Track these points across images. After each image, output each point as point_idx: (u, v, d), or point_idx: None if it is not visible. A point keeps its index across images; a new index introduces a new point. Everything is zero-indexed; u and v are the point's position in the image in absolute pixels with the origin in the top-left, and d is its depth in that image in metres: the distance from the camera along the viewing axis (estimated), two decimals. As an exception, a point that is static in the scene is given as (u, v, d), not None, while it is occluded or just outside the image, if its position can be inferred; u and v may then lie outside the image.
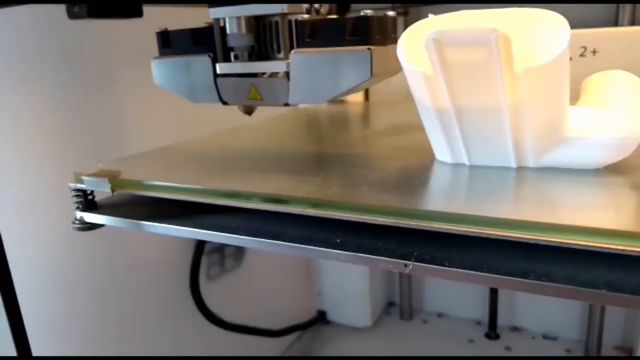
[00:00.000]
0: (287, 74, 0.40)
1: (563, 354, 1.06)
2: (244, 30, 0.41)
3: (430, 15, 0.39)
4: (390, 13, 0.40)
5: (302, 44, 0.39)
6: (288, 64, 0.40)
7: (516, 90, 0.35)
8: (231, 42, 0.42)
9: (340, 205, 0.35)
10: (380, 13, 0.38)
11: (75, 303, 0.67)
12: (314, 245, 0.36)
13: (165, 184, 0.42)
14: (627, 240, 0.28)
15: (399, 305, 1.24)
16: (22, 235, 0.60)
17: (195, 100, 0.45)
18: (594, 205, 0.34)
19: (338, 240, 0.36)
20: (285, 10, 0.39)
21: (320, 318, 1.23)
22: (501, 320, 1.13)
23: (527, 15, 0.37)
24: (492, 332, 1.12)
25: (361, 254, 0.34)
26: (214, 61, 0.43)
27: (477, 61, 0.34)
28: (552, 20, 0.36)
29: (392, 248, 0.34)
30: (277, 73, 0.42)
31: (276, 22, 0.41)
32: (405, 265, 0.32)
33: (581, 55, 0.74)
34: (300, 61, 0.39)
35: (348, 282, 1.18)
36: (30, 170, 0.61)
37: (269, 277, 1.06)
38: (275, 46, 0.42)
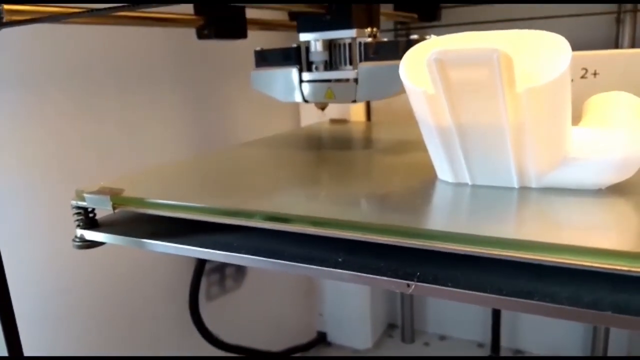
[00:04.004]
0: (355, 80, 0.58)
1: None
2: (322, 49, 0.59)
3: (433, 36, 0.40)
4: (430, 37, 0.50)
5: (367, 58, 0.57)
6: (357, 72, 0.58)
7: (518, 110, 0.35)
8: (312, 58, 0.60)
9: (342, 224, 0.35)
10: (423, 37, 0.49)
11: (74, 320, 0.67)
12: (315, 265, 0.35)
13: (167, 202, 0.42)
14: (630, 261, 0.28)
15: (400, 327, 1.22)
16: (22, 251, 0.60)
17: (285, 100, 0.62)
18: (597, 225, 0.34)
19: (340, 260, 0.35)
20: (355, 35, 0.57)
21: (321, 339, 1.22)
22: (504, 342, 1.11)
23: (529, 36, 0.37)
24: (495, 355, 1.10)
25: (363, 274, 0.34)
26: (300, 71, 0.60)
27: (478, 81, 0.35)
28: (554, 42, 0.36)
29: (394, 268, 0.33)
30: (344, 79, 0.59)
31: (348, 44, 0.58)
32: (408, 285, 0.32)
33: (582, 77, 0.74)
34: (367, 70, 0.57)
35: (349, 303, 1.17)
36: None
37: (269, 298, 1.05)
38: (344, 60, 0.59)
